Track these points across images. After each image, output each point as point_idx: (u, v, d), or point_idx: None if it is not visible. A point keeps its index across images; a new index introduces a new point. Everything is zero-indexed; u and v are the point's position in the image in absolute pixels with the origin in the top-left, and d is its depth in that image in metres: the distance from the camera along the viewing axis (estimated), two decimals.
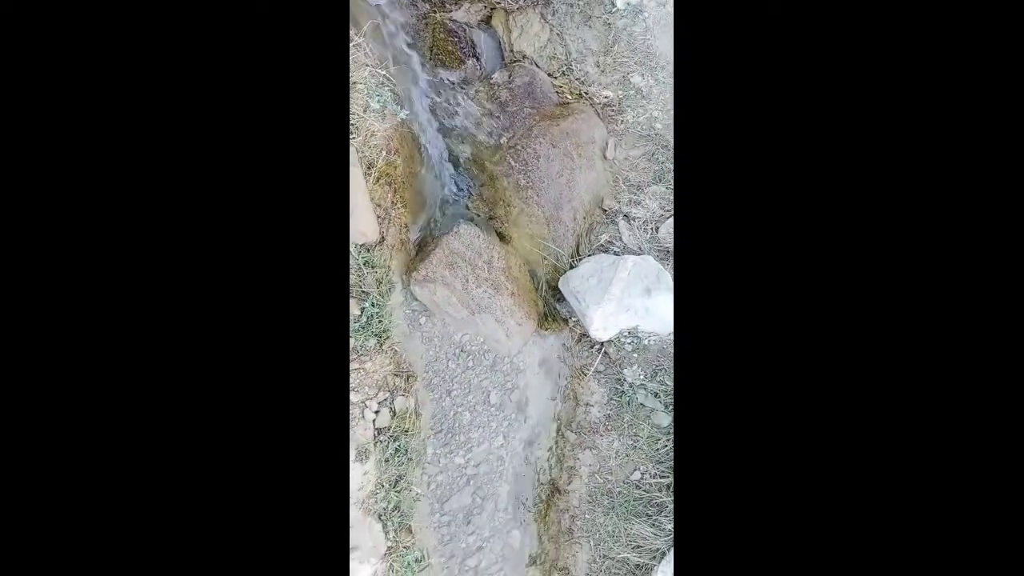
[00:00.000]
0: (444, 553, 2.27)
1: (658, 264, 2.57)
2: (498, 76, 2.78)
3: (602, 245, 2.73)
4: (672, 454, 2.43)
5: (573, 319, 2.64)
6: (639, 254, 2.65)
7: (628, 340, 2.57)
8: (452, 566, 2.26)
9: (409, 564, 2.20)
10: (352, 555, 2.06)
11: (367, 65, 2.27)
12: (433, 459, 2.29)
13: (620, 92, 2.86)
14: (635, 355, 2.56)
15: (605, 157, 2.82)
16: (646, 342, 2.55)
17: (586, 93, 2.86)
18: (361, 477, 2.11)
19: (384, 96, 2.22)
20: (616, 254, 2.66)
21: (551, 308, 2.73)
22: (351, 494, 2.06)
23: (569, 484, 2.53)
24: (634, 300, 2.51)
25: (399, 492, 2.22)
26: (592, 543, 2.43)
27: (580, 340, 2.65)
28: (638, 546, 2.39)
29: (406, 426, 2.27)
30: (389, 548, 2.16)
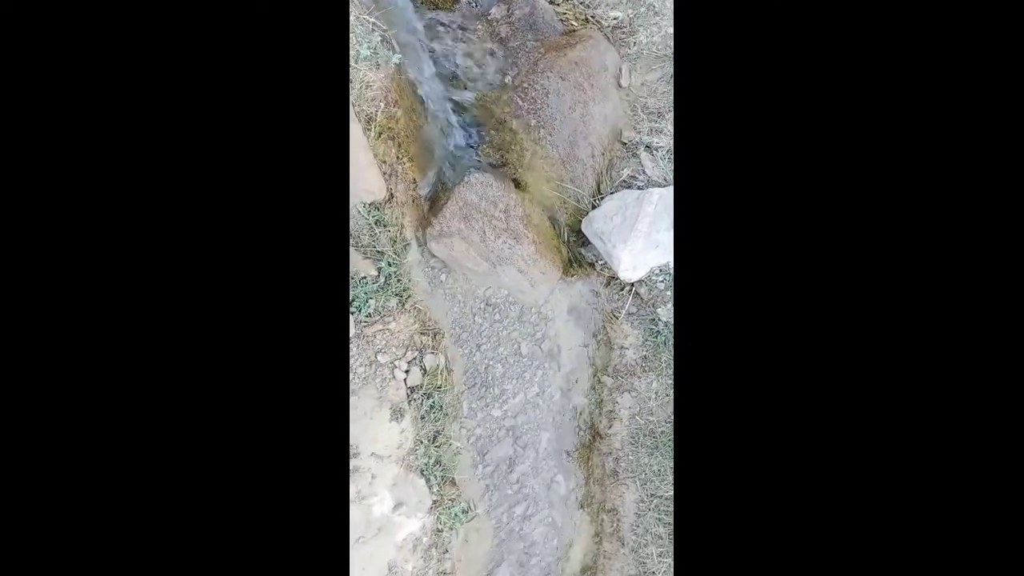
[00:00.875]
0: (490, 503, 2.30)
1: None
2: (495, 11, 2.59)
3: (624, 180, 2.57)
4: None
5: (600, 262, 2.53)
6: (665, 186, 2.48)
7: (660, 278, 2.45)
8: (499, 515, 2.29)
9: (456, 515, 2.24)
10: (399, 511, 2.11)
11: (352, 13, 2.15)
12: (470, 413, 2.29)
13: (630, 11, 2.62)
14: (668, 293, 2.44)
15: (620, 85, 2.61)
16: None
17: (592, 17, 2.63)
18: (399, 435, 2.14)
19: (374, 43, 2.10)
20: (640, 188, 2.51)
21: (575, 253, 2.62)
22: (390, 451, 2.09)
23: (610, 428, 2.50)
24: (663, 235, 2.36)
25: (439, 447, 2.24)
26: (638, 483, 2.41)
27: (609, 283, 2.55)
28: None
29: (439, 382, 2.27)
30: (435, 502, 2.20)
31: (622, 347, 2.51)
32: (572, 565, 2.43)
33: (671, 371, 2.42)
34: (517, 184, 2.56)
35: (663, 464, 2.35)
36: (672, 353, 2.43)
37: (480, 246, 2.34)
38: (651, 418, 2.43)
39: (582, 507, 2.45)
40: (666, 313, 2.43)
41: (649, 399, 2.43)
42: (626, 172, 2.60)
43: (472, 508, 2.27)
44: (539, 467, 2.38)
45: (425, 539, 2.17)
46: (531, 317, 2.44)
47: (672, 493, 2.35)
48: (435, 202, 2.48)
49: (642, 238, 2.37)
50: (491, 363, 2.34)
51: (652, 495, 2.38)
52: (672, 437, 2.39)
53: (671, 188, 2.42)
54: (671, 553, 2.33)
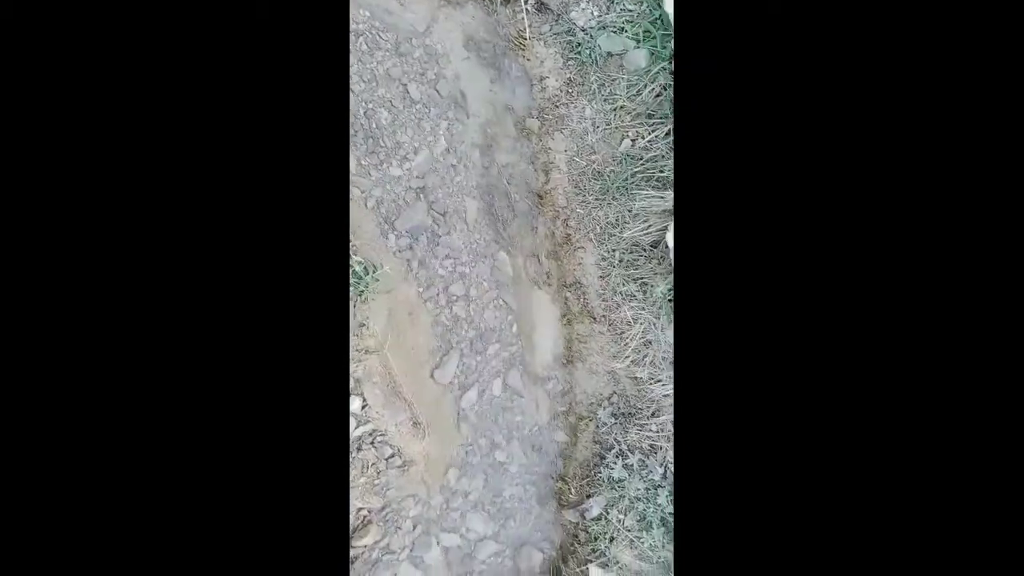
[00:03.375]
0: (420, 282, 1.67)
1: None
2: None
3: None
4: (666, 104, 1.91)
5: None
6: None
7: None
8: (434, 296, 1.68)
9: (360, 277, 1.57)
10: None
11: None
12: (360, 170, 1.62)
13: None
14: None
15: None
16: None
17: None
18: None
19: None
20: None
21: None
22: None
23: (548, 183, 1.98)
24: None
25: None
26: (594, 241, 1.94)
27: None
28: (647, 222, 1.92)
29: None
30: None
31: (540, 77, 1.98)
32: (543, 355, 1.90)
33: (606, 91, 1.94)
34: None
35: (619, 210, 1.89)
36: (602, 69, 1.94)
37: None
38: (593, 157, 1.95)
39: (538, 286, 1.92)
40: (583, 16, 1.93)
41: (586, 133, 1.94)
42: None
43: (379, 267, 1.61)
44: (473, 242, 1.80)
45: None
46: (414, 51, 1.80)
47: (635, 238, 1.91)
48: None
49: None
50: (371, 107, 1.68)
51: (612, 250, 1.91)
52: (622, 175, 1.93)
53: None
54: (643, 309, 1.89)
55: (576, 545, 1.93)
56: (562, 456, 1.96)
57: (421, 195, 1.71)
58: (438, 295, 1.67)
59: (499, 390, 1.90)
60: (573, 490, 1.95)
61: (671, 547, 1.76)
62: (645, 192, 1.77)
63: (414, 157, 1.73)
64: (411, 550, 1.75)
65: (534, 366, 1.92)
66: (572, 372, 1.94)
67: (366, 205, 1.62)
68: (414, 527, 1.75)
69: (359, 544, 1.54)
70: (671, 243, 1.70)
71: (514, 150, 1.93)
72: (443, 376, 1.74)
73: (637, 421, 1.88)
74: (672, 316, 1.80)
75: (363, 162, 1.64)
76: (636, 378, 1.88)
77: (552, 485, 1.96)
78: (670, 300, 1.81)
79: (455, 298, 1.71)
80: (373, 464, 1.53)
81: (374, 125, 1.67)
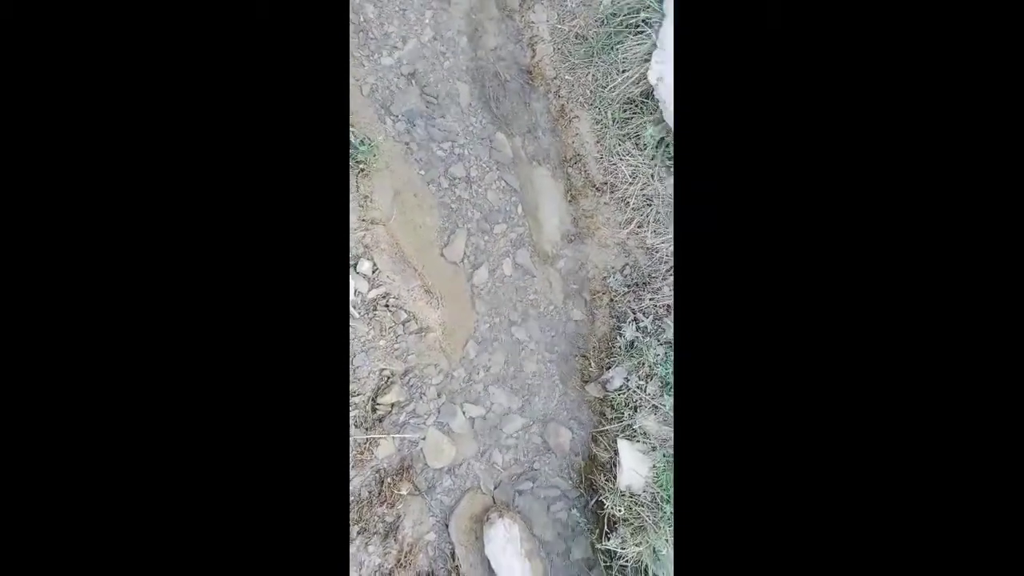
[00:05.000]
0: (420, 164, 1.75)
1: None
2: None
3: None
4: None
5: None
6: None
7: None
8: (435, 177, 1.76)
9: (355, 147, 1.67)
10: None
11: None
12: (353, 61, 1.73)
13: None
14: None
15: None
16: None
17: None
18: None
19: None
20: None
21: None
22: None
23: (535, 57, 1.99)
24: None
25: None
26: (587, 107, 1.92)
27: None
28: (631, 71, 1.86)
29: None
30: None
31: None
32: (550, 233, 1.94)
33: None
34: None
35: (605, 68, 1.86)
36: None
37: None
38: (575, 21, 1.93)
39: (539, 163, 1.95)
40: None
41: (566, 1, 1.93)
42: None
43: (368, 140, 1.70)
44: (469, 124, 1.85)
45: None
46: None
47: (620, 88, 1.87)
48: None
49: None
50: (359, 2, 1.77)
51: (604, 111, 1.89)
52: (604, 33, 1.89)
53: None
54: (640, 163, 1.85)
55: (603, 423, 1.96)
56: (581, 334, 2.00)
57: (412, 80, 1.79)
58: (439, 177, 1.75)
59: (510, 269, 1.96)
60: (594, 364, 1.99)
61: None
62: (627, 44, 1.74)
63: (403, 46, 1.81)
64: (437, 416, 1.88)
65: (543, 244, 1.96)
66: (582, 248, 1.96)
67: (361, 92, 1.72)
68: (438, 395, 1.87)
69: (383, 402, 1.67)
70: (653, 80, 1.66)
71: (500, 32, 1.95)
72: (452, 254, 1.83)
73: (651, 287, 1.87)
74: (667, 163, 1.76)
75: (355, 54, 1.74)
76: (646, 247, 1.87)
77: (574, 364, 2.00)
78: (660, 144, 1.77)
79: (457, 180, 1.78)
80: (391, 328, 1.65)
81: (362, 19, 1.76)
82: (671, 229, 1.73)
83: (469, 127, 1.84)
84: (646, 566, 1.77)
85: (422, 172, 1.75)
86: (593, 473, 1.98)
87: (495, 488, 1.96)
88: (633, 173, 1.75)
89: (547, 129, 1.95)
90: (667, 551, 1.65)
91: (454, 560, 1.90)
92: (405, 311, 1.68)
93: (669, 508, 1.71)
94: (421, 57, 1.81)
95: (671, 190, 1.72)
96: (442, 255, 1.81)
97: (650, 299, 1.83)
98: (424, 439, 1.88)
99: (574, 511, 1.96)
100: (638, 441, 1.87)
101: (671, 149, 1.76)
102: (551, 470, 2.01)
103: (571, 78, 1.87)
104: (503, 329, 1.96)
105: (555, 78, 1.88)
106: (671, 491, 1.72)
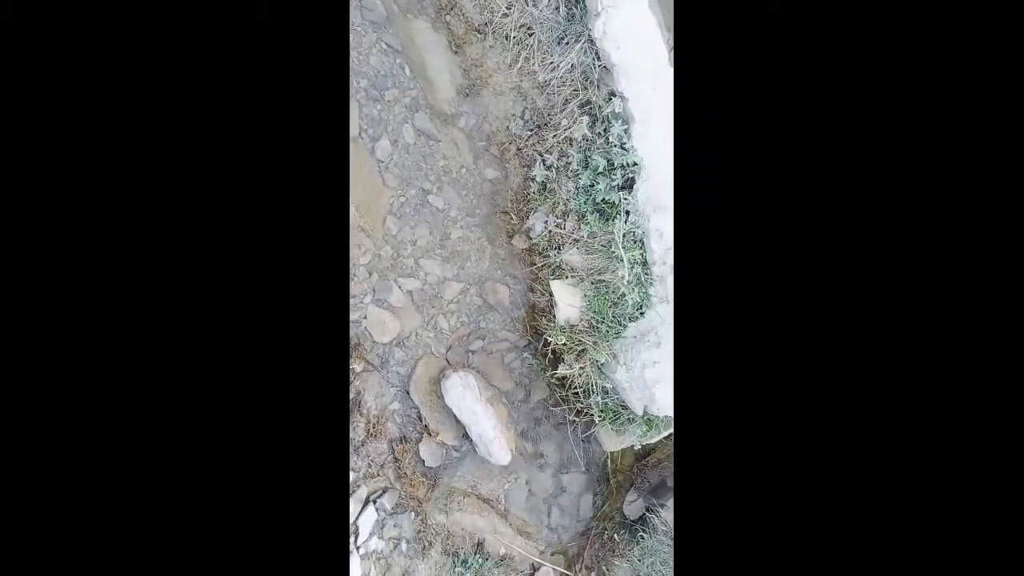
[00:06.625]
0: None
1: None
2: None
3: None
4: None
5: None
6: None
7: None
8: None
9: None
10: None
11: None
12: None
13: None
14: None
15: None
16: None
17: None
18: None
19: None
20: None
21: None
22: None
23: None
24: None
25: None
26: None
27: None
28: None
29: None
30: None
31: None
32: (444, 90, 1.85)
33: None
34: None
35: None
36: None
37: None
38: None
39: (414, 15, 1.83)
40: None
41: None
42: None
43: None
44: None
45: None
46: None
47: None
48: None
49: None
50: None
51: None
52: None
53: None
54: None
55: (535, 271, 2.06)
56: (498, 191, 2.02)
57: None
58: None
59: (412, 137, 1.90)
60: (515, 217, 2.04)
61: (610, 233, 1.85)
62: None
63: None
64: (373, 295, 1.91)
65: (439, 104, 1.90)
66: (479, 101, 1.92)
67: None
68: (369, 273, 1.89)
69: None
70: None
71: None
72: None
73: (551, 125, 1.88)
74: None
75: None
76: (539, 84, 1.85)
77: (496, 222, 2.04)
78: None
79: None
80: None
81: None
82: (555, 57, 1.71)
83: None
84: (594, 382, 1.97)
85: None
86: (535, 319, 2.11)
87: (447, 351, 2.07)
88: (508, 3, 1.68)
89: None
90: (606, 359, 1.83)
91: (421, 421, 2.04)
92: None
93: (603, 327, 1.87)
94: None
95: (548, 13, 1.68)
96: None
97: (552, 136, 1.85)
98: (366, 318, 1.92)
99: (526, 355, 2.11)
100: (567, 277, 1.99)
101: None
102: (497, 326, 2.13)
103: None
104: (420, 201, 1.95)
105: None
106: (604, 313, 1.88)
